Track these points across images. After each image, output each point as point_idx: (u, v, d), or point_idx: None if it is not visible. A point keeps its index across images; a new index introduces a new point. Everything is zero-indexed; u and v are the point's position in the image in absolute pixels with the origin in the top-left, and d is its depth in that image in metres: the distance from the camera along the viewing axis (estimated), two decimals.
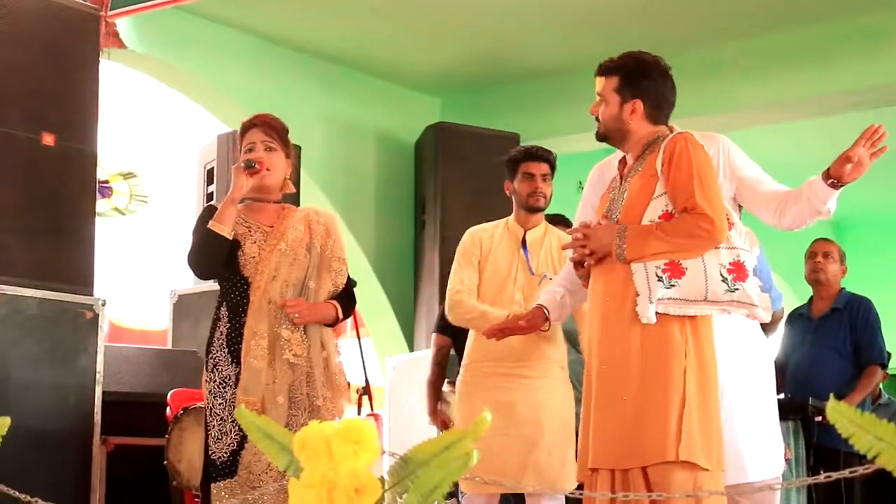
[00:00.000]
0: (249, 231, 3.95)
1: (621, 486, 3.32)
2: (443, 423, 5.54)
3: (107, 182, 7.79)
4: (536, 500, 4.57)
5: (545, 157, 4.75)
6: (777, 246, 8.75)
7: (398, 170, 8.12)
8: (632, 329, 3.38)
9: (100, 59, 5.39)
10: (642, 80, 3.63)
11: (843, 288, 6.00)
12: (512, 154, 4.83)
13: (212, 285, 6.22)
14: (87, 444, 5.06)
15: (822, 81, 7.37)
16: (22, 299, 4.90)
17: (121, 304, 7.70)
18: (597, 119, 3.67)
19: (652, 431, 3.31)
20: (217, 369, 3.84)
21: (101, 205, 7.07)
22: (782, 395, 5.47)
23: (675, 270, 3.34)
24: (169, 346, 6.42)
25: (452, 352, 5.58)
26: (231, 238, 3.86)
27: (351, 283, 4.14)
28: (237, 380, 3.79)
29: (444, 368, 5.67)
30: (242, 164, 3.90)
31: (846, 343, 5.74)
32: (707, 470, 3.30)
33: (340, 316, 4.02)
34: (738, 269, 3.41)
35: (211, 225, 3.81)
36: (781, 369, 5.64)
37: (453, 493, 5.06)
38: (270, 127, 4.05)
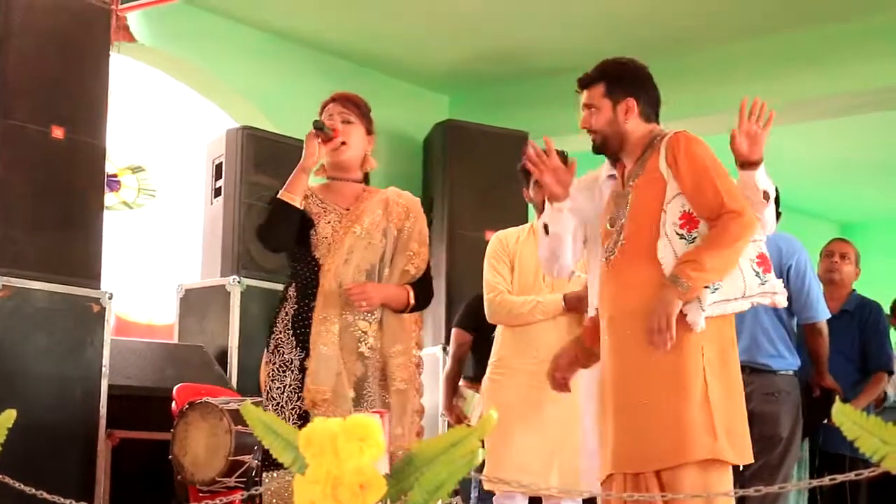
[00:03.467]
0: (325, 212, 3.77)
1: (634, 491, 3.32)
2: (457, 419, 5.55)
3: (115, 176, 7.80)
4: (556, 500, 4.56)
5: None
6: None
7: (406, 167, 8.11)
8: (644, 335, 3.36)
9: (110, 52, 5.40)
10: (629, 79, 3.67)
11: (854, 290, 5.98)
12: (525, 163, 4.85)
13: (218, 280, 6.25)
14: (93, 437, 5.08)
15: (834, 82, 7.34)
16: (30, 292, 4.91)
17: (128, 298, 7.71)
18: (590, 131, 3.63)
19: (667, 435, 3.32)
20: (279, 351, 3.63)
21: (110, 198, 7.07)
22: None
23: None
24: (175, 340, 6.43)
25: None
26: (301, 208, 3.68)
27: (429, 275, 3.96)
28: (301, 365, 3.59)
29: (462, 365, 5.69)
30: (313, 127, 3.70)
31: (854, 347, 5.71)
32: (726, 468, 3.34)
33: (412, 302, 3.78)
34: (763, 261, 3.43)
35: (281, 194, 3.65)
36: None
37: (457, 491, 5.06)
38: (348, 100, 3.85)
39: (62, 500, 2.80)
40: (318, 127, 3.71)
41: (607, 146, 3.62)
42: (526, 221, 5.60)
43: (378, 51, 7.93)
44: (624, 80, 3.65)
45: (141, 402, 5.53)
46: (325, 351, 3.56)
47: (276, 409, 3.55)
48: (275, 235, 3.71)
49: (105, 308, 5.16)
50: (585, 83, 3.68)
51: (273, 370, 3.62)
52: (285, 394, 3.58)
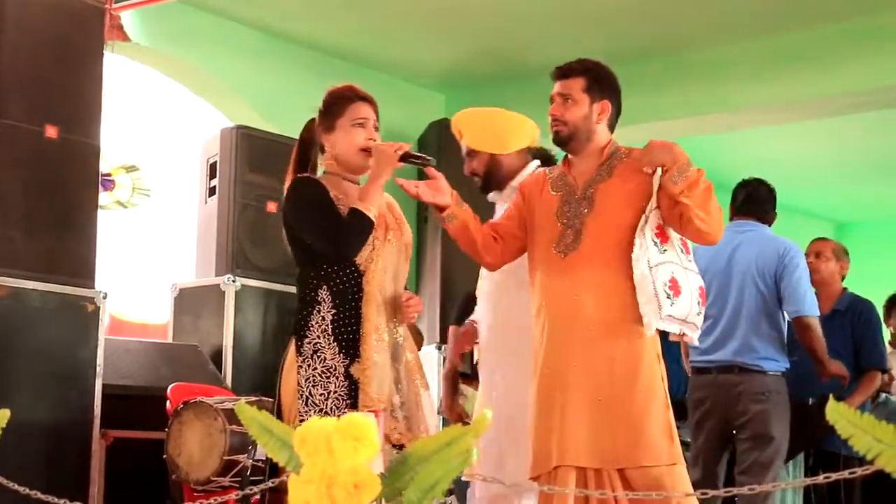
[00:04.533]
0: None
1: (595, 485, 3.36)
2: (458, 417, 5.55)
3: (109, 175, 7.78)
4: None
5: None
6: None
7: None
8: (611, 333, 3.45)
9: (104, 51, 5.39)
10: (608, 82, 3.72)
11: (845, 289, 5.98)
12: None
13: (213, 279, 6.25)
14: (87, 436, 5.07)
15: (829, 82, 7.35)
16: (24, 291, 4.90)
17: (122, 298, 7.70)
18: (559, 121, 3.66)
19: (640, 433, 3.40)
20: (318, 356, 3.52)
21: (104, 198, 7.05)
22: None
23: (676, 289, 3.43)
24: (170, 339, 6.42)
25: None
26: (374, 219, 3.61)
27: None
28: (346, 372, 3.50)
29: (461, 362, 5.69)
30: (408, 151, 3.66)
31: (847, 346, 5.72)
32: (683, 467, 3.46)
33: None
34: (703, 295, 3.56)
35: (359, 205, 3.55)
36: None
37: (452, 490, 5.07)
38: (376, 109, 3.84)
39: (56, 499, 2.80)
40: (419, 163, 3.80)
41: (572, 141, 3.66)
42: None
43: (373, 49, 7.93)
44: (604, 81, 3.70)
45: (135, 401, 5.52)
46: (379, 360, 3.53)
47: (319, 415, 3.45)
48: (351, 245, 3.58)
49: (99, 307, 5.16)
50: (565, 73, 3.71)
51: (313, 375, 3.52)
52: (330, 400, 3.49)
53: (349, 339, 3.53)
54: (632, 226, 3.49)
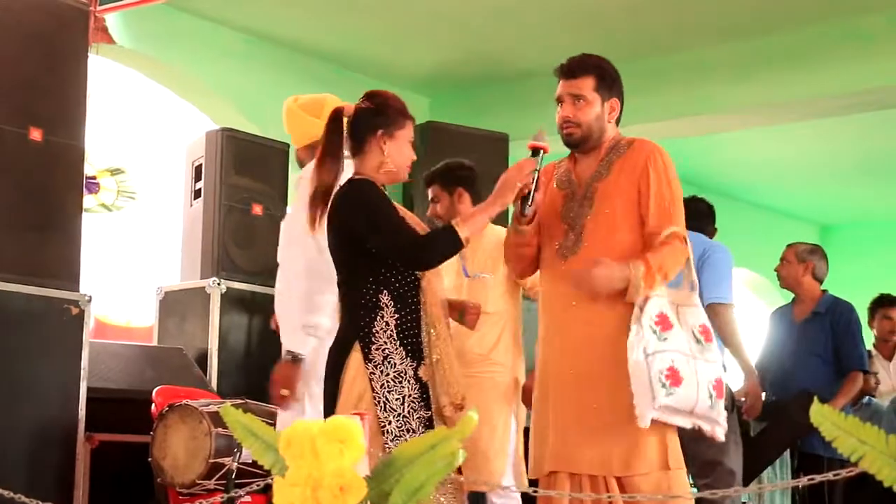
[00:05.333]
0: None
1: (590, 490, 3.35)
2: None
3: (94, 178, 7.77)
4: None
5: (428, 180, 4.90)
6: (761, 248, 8.79)
7: None
8: (608, 339, 3.39)
9: (88, 54, 5.37)
10: (616, 79, 3.61)
11: (825, 291, 5.99)
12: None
13: (198, 282, 6.23)
14: (72, 440, 5.05)
15: (814, 84, 7.39)
16: (8, 294, 4.88)
17: (107, 301, 7.68)
18: (571, 124, 3.53)
19: (643, 441, 3.36)
20: (388, 362, 3.48)
21: (88, 200, 7.04)
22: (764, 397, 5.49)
23: (675, 378, 3.29)
24: (154, 342, 6.41)
25: None
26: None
27: None
28: (415, 375, 3.49)
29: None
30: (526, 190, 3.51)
31: (827, 348, 5.73)
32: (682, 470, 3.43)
33: None
34: (718, 387, 3.41)
35: (461, 230, 3.46)
36: (763, 372, 5.67)
37: None
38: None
39: (40, 503, 2.79)
40: (524, 206, 3.55)
41: (586, 142, 3.55)
42: (506, 223, 5.62)
43: (358, 52, 7.93)
44: (613, 79, 3.59)
45: (120, 404, 5.50)
46: (445, 360, 3.53)
47: (398, 420, 3.45)
48: (434, 260, 3.55)
49: (84, 310, 5.14)
50: (574, 72, 3.56)
51: (387, 381, 3.47)
52: (406, 404, 3.47)
53: (414, 343, 3.51)
54: (631, 227, 3.44)
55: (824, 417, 1.78)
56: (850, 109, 7.79)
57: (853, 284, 7.67)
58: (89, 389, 5.16)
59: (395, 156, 3.69)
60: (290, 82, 7.70)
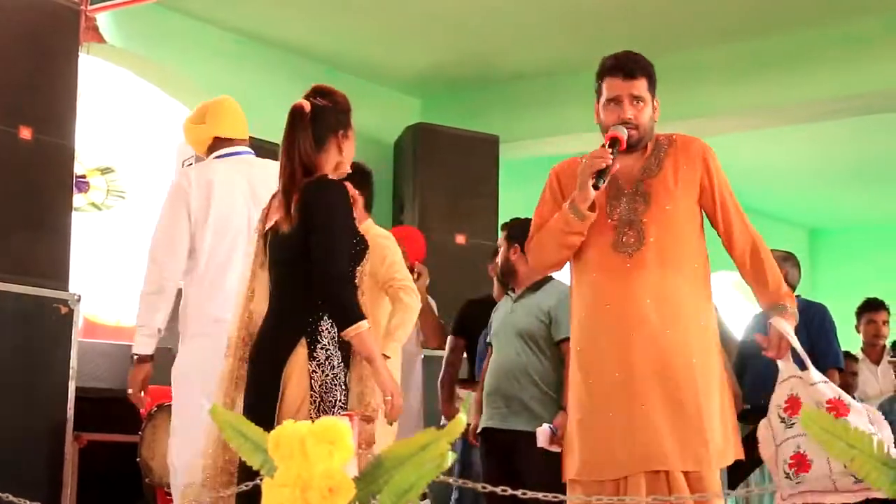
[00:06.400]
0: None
1: (656, 489, 3.28)
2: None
3: (84, 177, 7.74)
4: None
5: None
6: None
7: (377, 169, 8.02)
8: (677, 332, 3.38)
9: (79, 53, 5.37)
10: (656, 78, 3.61)
11: (798, 296, 6.02)
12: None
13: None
14: (60, 439, 5.04)
15: (807, 87, 7.39)
16: None
17: (96, 300, 7.66)
18: (631, 125, 3.48)
19: (715, 433, 3.37)
20: (329, 363, 3.50)
21: (78, 200, 7.02)
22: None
23: (802, 465, 3.28)
24: None
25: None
26: None
27: None
28: (345, 382, 3.52)
29: (457, 369, 5.83)
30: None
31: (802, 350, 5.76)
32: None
33: None
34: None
35: (361, 328, 3.49)
36: (739, 374, 5.71)
37: (426, 495, 5.07)
38: None
39: (28, 502, 2.79)
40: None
41: (641, 142, 3.53)
42: (496, 226, 5.65)
43: (349, 53, 7.93)
44: (655, 78, 3.59)
45: (109, 404, 5.49)
46: (367, 373, 3.55)
47: None
48: (335, 303, 3.55)
49: (73, 310, 5.13)
50: (634, 72, 3.50)
51: (326, 381, 3.49)
52: (336, 408, 3.49)
53: (347, 350, 3.52)
54: (692, 221, 3.48)
55: (813, 421, 1.78)
56: (843, 113, 7.80)
57: (842, 288, 7.70)
58: (78, 389, 5.15)
59: (347, 155, 3.74)
60: (281, 83, 7.70)
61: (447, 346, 5.95)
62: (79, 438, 5.23)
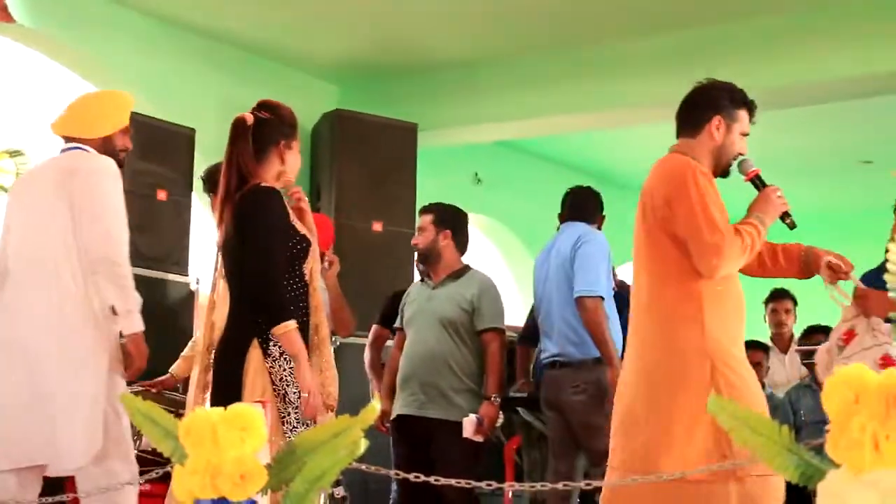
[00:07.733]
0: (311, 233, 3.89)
1: None
2: (384, 415, 5.48)
3: None
4: None
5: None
6: None
7: None
8: None
9: None
10: None
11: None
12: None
13: None
14: None
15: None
16: None
17: None
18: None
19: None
20: (285, 358, 3.62)
21: None
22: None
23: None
24: None
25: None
26: None
27: None
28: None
29: (380, 352, 5.91)
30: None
31: None
32: None
33: None
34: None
35: (286, 328, 3.65)
36: None
37: (339, 482, 5.05)
38: None
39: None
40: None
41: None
42: (413, 213, 5.64)
43: (267, 39, 7.86)
44: None
45: None
46: (327, 364, 3.77)
47: (296, 412, 3.61)
48: (274, 313, 3.68)
49: None
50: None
51: (285, 375, 3.62)
52: (300, 398, 3.62)
53: (304, 343, 3.65)
54: None
55: (721, 409, 1.81)
56: (769, 106, 7.89)
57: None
58: None
59: (291, 165, 3.87)
60: (197, 68, 7.61)
61: (370, 335, 5.94)
62: None
